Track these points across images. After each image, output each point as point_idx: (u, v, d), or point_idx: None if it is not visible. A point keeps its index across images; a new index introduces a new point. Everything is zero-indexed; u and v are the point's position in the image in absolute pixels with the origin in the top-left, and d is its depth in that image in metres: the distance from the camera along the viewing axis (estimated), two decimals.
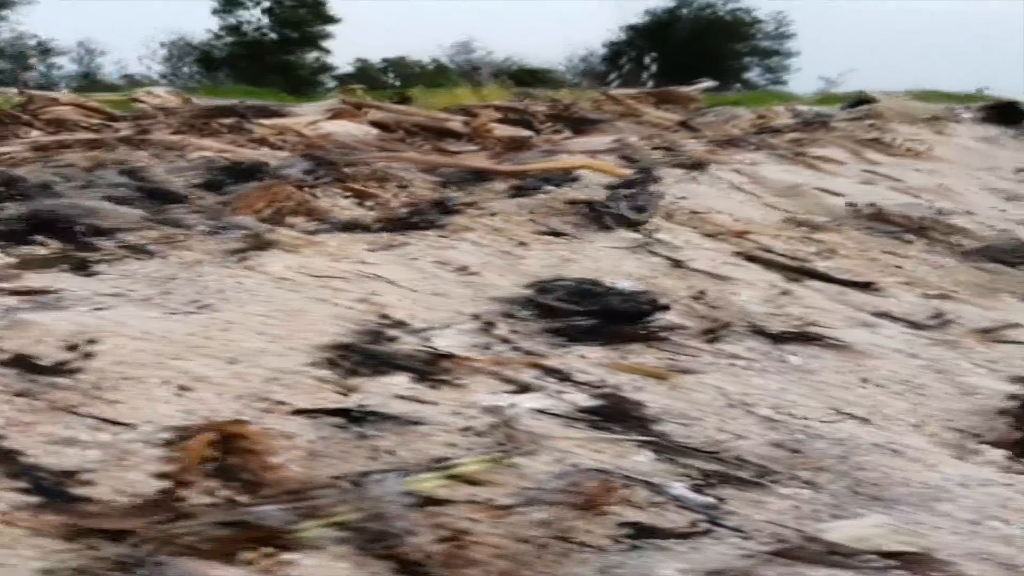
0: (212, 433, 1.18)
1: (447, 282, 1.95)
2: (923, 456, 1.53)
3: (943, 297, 2.72)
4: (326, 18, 41.98)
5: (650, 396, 1.64)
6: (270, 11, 37.55)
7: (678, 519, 1.24)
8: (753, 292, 2.29)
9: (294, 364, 1.49)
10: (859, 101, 13.90)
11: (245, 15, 39.14)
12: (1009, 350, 2.17)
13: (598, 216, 2.62)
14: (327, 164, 3.64)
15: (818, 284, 2.64)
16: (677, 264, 2.29)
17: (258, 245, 1.98)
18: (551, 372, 1.63)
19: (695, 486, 1.36)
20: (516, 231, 2.27)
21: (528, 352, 1.69)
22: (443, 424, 1.32)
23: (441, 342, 1.65)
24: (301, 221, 2.62)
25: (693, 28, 37.57)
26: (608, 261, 2.17)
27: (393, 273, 1.95)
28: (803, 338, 1.99)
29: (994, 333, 2.35)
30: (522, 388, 1.53)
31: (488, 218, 2.33)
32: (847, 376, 1.86)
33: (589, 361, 1.72)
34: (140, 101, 8.86)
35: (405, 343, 1.62)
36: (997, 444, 1.68)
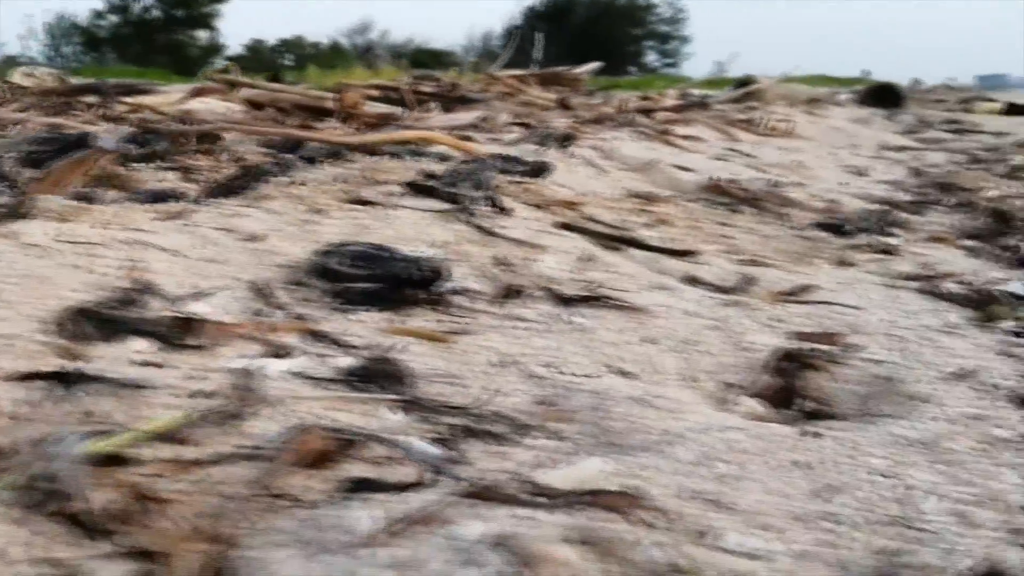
0: None
1: (230, 249, 1.91)
2: (676, 407, 1.59)
3: (756, 263, 2.83)
4: None
5: (421, 358, 1.65)
6: None
7: (410, 472, 1.26)
8: (560, 259, 2.33)
9: (21, 330, 1.44)
10: (743, 84, 14.34)
11: None
12: (797, 309, 2.28)
13: (422, 188, 2.63)
14: (162, 136, 3.54)
15: (635, 252, 2.71)
16: (487, 232, 2.31)
17: (17, 213, 1.90)
18: (319, 336, 1.62)
19: (440, 441, 1.38)
20: (320, 199, 2.25)
21: (300, 317, 1.68)
22: (172, 387, 1.30)
23: (202, 307, 1.62)
24: (112, 194, 2.54)
25: (590, 12, 37.97)
26: (412, 229, 2.17)
27: (171, 241, 1.90)
28: (593, 300, 2.03)
29: (791, 295, 2.46)
30: (281, 352, 1.52)
31: (295, 187, 2.30)
32: (628, 335, 1.92)
33: (366, 326, 1.72)
34: (9, 82, 8.39)
35: (157, 309, 1.59)
36: (757, 395, 1.76)
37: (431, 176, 2.66)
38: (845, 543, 1.19)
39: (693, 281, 2.50)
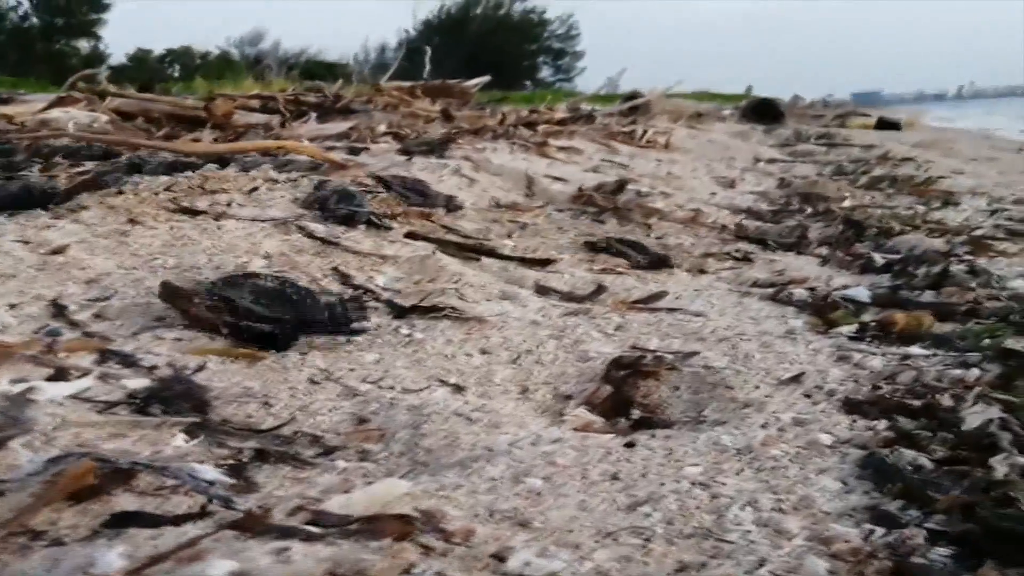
0: None
1: (25, 263, 1.75)
2: (499, 420, 1.52)
3: (613, 272, 2.81)
4: (97, 5, 39.02)
5: (230, 377, 1.54)
6: None
7: (187, 503, 1.15)
8: (404, 269, 2.25)
9: None
10: (631, 98, 14.64)
11: (8, 0, 35.81)
12: (643, 318, 2.26)
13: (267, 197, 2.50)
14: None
15: (490, 261, 2.65)
16: (325, 242, 2.21)
17: None
18: (113, 356, 1.49)
19: (231, 468, 1.27)
20: (141, 209, 2.10)
21: (96, 336, 1.55)
22: None
23: None
24: None
25: (484, 27, 38.16)
26: (243, 240, 2.05)
27: None
28: (431, 311, 1.96)
29: (641, 303, 2.45)
30: (66, 374, 1.39)
31: (118, 197, 2.15)
32: (464, 347, 1.85)
33: (170, 344, 1.59)
34: None
35: None
36: (590, 404, 1.72)
37: (275, 184, 2.54)
38: (650, 558, 1.15)
39: (545, 290, 2.46)
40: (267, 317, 1.72)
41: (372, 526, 1.01)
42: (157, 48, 39.37)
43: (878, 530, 1.23)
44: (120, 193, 2.16)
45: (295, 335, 1.73)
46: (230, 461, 1.29)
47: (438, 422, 1.47)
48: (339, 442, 1.40)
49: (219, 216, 2.14)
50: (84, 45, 39.33)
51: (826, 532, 1.22)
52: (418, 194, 3.24)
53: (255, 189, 2.43)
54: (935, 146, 10.26)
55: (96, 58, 37.86)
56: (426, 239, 2.57)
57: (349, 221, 2.52)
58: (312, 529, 1.03)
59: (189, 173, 2.48)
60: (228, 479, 1.23)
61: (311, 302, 1.79)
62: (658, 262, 3.02)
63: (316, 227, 2.28)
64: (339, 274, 2.08)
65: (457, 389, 1.67)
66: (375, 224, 2.59)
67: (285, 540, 0.98)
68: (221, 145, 3.41)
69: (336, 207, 2.53)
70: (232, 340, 1.66)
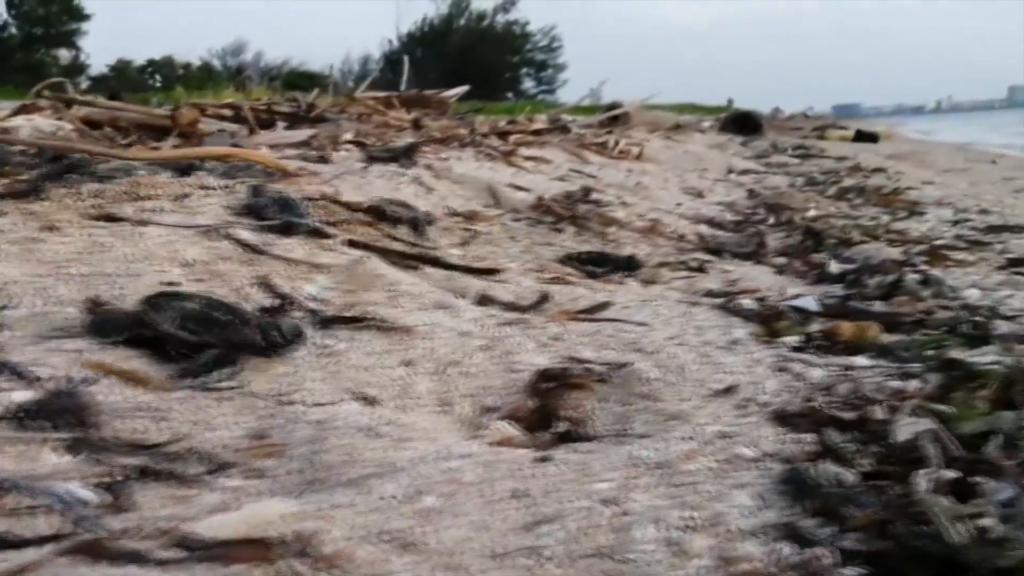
0: None
1: None
2: (408, 435, 1.46)
3: (561, 281, 2.76)
4: (77, 15, 38.85)
5: (125, 391, 1.46)
6: (8, 4, 34.30)
7: (49, 524, 1.08)
8: (336, 277, 2.19)
9: None
10: (611, 109, 14.66)
11: None
12: (582, 328, 2.20)
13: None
14: None
15: (433, 270, 2.59)
16: (253, 249, 2.14)
17: None
18: (3, 368, 1.42)
19: (108, 486, 1.20)
20: (60, 215, 2.03)
21: None
22: None
23: None
24: None
25: (467, 39, 38.21)
26: (163, 248, 1.98)
27: None
28: (355, 321, 1.89)
29: (584, 313, 2.39)
30: None
31: (37, 203, 2.07)
32: (385, 358, 1.78)
33: (65, 355, 1.52)
34: None
35: None
36: (512, 417, 1.65)
37: (210, 191, 2.47)
38: None
39: (486, 300, 2.40)
40: (196, 344, 1.64)
41: (231, 551, 0.95)
42: (139, 58, 39.22)
43: (788, 549, 1.17)
44: (43, 199, 2.08)
45: (232, 361, 1.64)
46: (108, 479, 1.22)
47: (340, 437, 1.40)
48: (232, 459, 1.33)
49: (141, 223, 2.07)
50: (65, 55, 39.11)
51: (733, 552, 1.16)
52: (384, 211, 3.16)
53: (185, 195, 2.36)
54: (909, 157, 10.31)
55: (76, 68, 37.65)
56: (366, 247, 2.50)
57: (287, 229, 2.45)
58: (165, 554, 0.96)
59: (121, 179, 2.40)
60: (101, 498, 1.16)
61: (242, 325, 1.71)
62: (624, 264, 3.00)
63: (246, 234, 2.21)
64: (264, 283, 2.01)
65: (370, 402, 1.60)
66: (316, 232, 2.53)
67: (132, 566, 0.91)
68: (167, 152, 3.33)
69: (272, 215, 2.46)
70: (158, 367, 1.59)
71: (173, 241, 2.03)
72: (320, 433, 1.41)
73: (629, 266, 3.05)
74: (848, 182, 6.63)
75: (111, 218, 2.07)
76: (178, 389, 1.51)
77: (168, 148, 5.27)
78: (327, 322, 1.88)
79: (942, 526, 1.16)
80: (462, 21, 39.94)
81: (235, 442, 1.39)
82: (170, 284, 1.85)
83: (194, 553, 0.97)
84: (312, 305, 1.95)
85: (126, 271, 1.86)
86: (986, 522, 1.20)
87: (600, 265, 3.02)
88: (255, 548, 0.97)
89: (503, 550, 1.12)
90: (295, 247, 2.33)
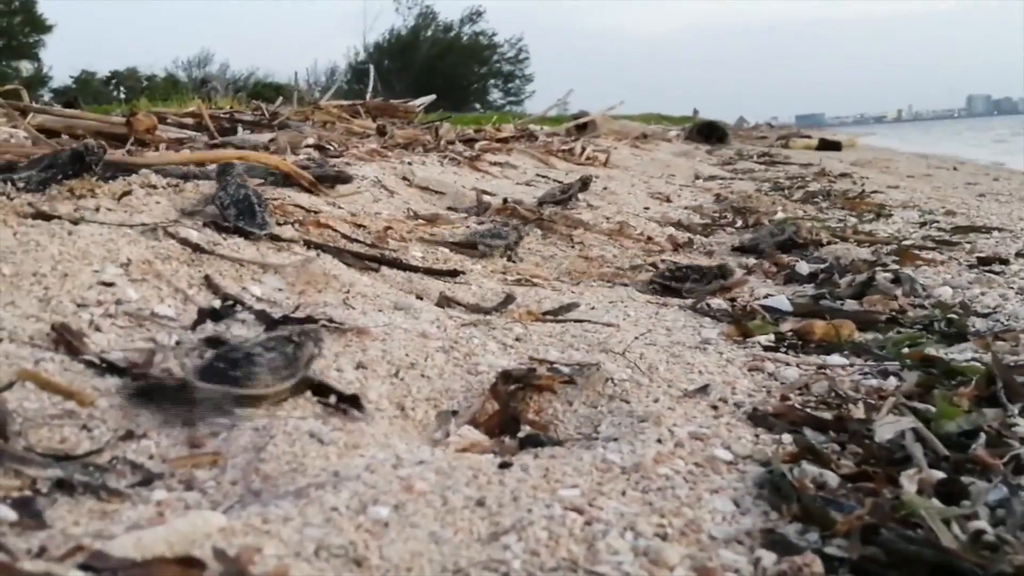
0: None
1: None
2: (360, 441, 1.35)
3: (527, 283, 2.66)
4: (40, 26, 38.19)
5: (46, 397, 1.34)
6: None
7: None
8: (288, 278, 2.07)
9: None
10: (578, 118, 14.64)
11: None
12: (548, 329, 2.11)
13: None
14: None
15: (392, 272, 2.48)
16: (198, 249, 2.02)
17: None
18: None
19: (23, 501, 1.08)
20: None
21: None
22: None
23: None
24: None
25: (434, 49, 38.14)
26: (99, 247, 1.85)
27: None
28: (306, 323, 1.78)
29: (551, 314, 2.30)
30: None
31: None
32: (339, 361, 1.67)
33: None
34: None
35: None
36: (475, 422, 1.55)
37: (153, 188, 2.35)
38: None
39: (448, 302, 2.30)
40: None
41: (146, 571, 0.83)
42: (102, 70, 38.65)
43: (769, 557, 1.08)
44: None
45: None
46: (21, 493, 1.10)
47: (283, 445, 1.29)
48: (164, 469, 1.22)
49: (77, 221, 1.94)
50: (27, 66, 38.38)
51: (710, 561, 1.07)
52: (330, 204, 3.06)
53: (127, 194, 2.24)
54: (873, 164, 10.37)
55: (38, 80, 36.96)
56: (322, 248, 2.39)
57: (240, 229, 2.33)
58: (76, 575, 0.84)
59: (61, 179, 2.27)
60: (12, 515, 1.03)
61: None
62: None
63: (191, 233, 2.09)
64: (209, 284, 1.89)
65: (323, 407, 1.49)
66: (271, 235, 2.41)
67: None
68: (167, 154, 3.18)
69: (226, 214, 2.34)
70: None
71: (110, 240, 1.90)
72: (260, 440, 1.29)
73: None
74: (814, 186, 6.62)
75: (44, 216, 1.93)
76: (104, 396, 1.39)
77: (117, 155, 5.11)
78: (274, 323, 1.76)
79: (936, 530, 1.07)
80: (429, 32, 39.88)
81: (168, 451, 1.27)
82: (106, 284, 1.73)
83: (107, 575, 0.85)
84: (259, 306, 1.84)
85: (55, 271, 1.73)
86: (978, 524, 1.12)
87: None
88: (178, 568, 0.86)
89: (461, 564, 1.02)
90: (243, 246, 2.21)
